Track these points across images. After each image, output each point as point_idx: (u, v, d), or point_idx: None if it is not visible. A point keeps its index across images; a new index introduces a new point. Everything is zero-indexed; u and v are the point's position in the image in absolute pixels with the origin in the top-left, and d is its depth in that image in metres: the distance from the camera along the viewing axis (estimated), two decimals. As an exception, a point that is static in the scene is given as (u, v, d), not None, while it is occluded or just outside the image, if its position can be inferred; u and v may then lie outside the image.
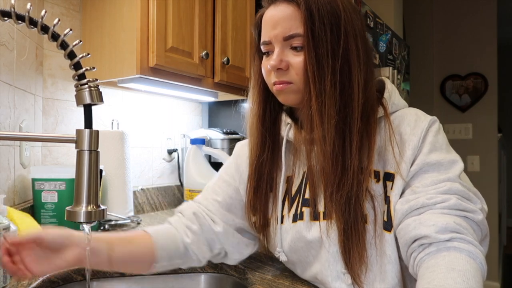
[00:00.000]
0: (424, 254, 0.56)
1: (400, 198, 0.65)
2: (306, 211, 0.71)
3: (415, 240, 0.58)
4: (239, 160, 0.83)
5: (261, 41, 0.71)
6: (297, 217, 0.72)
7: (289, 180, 0.76)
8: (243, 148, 0.84)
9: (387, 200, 0.66)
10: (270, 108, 0.76)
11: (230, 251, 0.80)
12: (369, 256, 0.65)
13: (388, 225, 0.65)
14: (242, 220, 0.81)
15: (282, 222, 0.74)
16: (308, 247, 0.71)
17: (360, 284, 0.65)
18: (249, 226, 0.80)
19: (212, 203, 0.81)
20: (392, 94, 0.72)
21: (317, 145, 0.67)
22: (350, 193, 0.63)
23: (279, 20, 0.67)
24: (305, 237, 0.70)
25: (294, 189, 0.75)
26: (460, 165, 0.65)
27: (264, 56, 0.72)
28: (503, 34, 4.08)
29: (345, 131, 0.64)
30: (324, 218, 0.69)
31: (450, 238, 0.55)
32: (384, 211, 0.66)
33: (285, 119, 0.77)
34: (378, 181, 0.67)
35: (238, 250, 0.81)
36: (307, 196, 0.72)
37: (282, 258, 0.75)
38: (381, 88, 0.74)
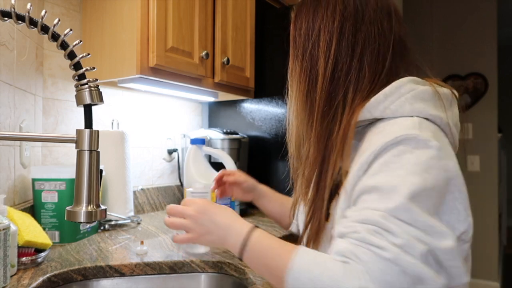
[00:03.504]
0: None
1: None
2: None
3: None
4: None
5: None
6: None
7: None
8: None
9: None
10: None
11: None
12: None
13: None
14: None
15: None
16: None
17: None
18: None
19: None
20: (390, 98, 0.60)
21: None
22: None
23: None
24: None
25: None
26: (405, 191, 0.51)
27: None
28: (503, 34, 4.07)
29: (310, 116, 0.69)
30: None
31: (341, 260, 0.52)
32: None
33: None
34: None
35: None
36: None
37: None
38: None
